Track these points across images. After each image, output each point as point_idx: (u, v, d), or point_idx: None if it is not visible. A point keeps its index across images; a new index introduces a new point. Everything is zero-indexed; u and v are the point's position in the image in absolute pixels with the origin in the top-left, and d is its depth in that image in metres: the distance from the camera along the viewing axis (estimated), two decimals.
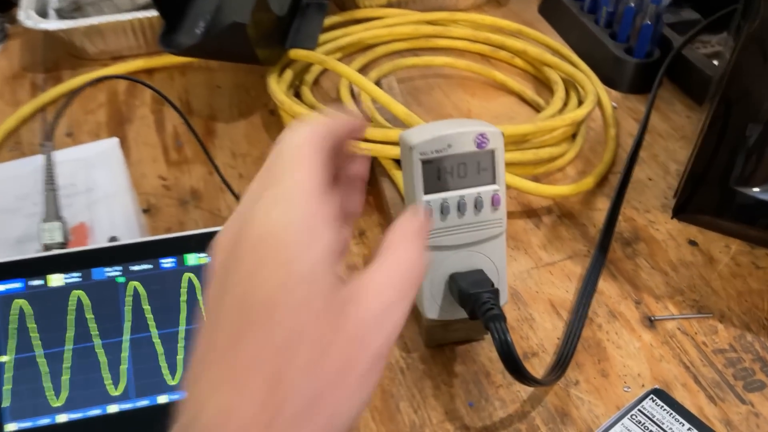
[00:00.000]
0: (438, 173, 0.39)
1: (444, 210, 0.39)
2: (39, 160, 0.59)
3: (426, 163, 0.38)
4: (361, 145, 0.53)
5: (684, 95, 0.67)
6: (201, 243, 0.40)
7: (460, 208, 0.39)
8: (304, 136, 0.26)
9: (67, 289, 0.38)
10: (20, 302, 0.38)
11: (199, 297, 0.39)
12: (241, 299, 0.23)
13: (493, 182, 0.39)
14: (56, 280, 0.38)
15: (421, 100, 0.67)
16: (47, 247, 0.40)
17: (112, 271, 0.39)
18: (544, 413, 0.41)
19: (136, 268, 0.39)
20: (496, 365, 0.44)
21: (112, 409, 0.37)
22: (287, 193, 0.24)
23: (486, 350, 0.45)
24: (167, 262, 0.39)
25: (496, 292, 0.38)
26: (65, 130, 0.63)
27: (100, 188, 0.57)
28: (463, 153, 0.38)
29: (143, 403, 0.37)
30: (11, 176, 0.57)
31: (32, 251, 0.51)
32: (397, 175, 0.54)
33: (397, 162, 0.55)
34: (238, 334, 0.22)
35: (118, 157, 0.60)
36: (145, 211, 0.55)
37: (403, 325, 0.25)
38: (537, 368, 0.44)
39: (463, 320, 0.43)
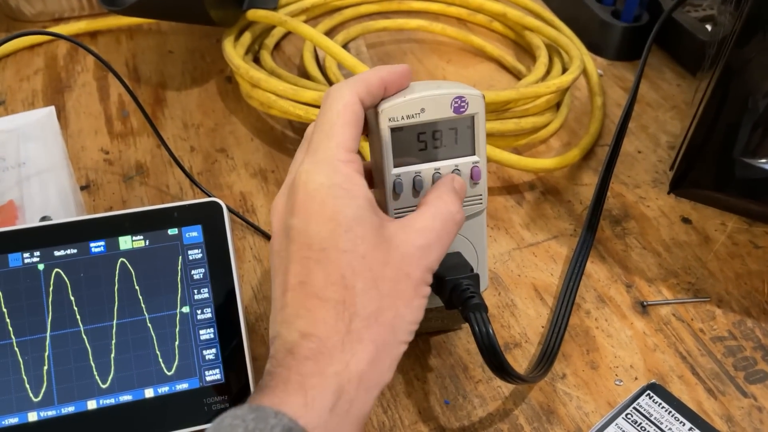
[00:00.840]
0: (409, 143, 0.34)
1: (417, 185, 0.34)
2: None
3: (395, 130, 0.33)
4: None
5: (674, 62, 0.62)
6: (137, 224, 0.34)
7: (436, 182, 0.34)
8: (343, 102, 0.31)
9: None
10: None
11: (136, 286, 0.34)
12: (301, 248, 0.29)
13: (473, 153, 0.34)
14: None
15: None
16: None
17: (31, 257, 0.33)
18: (528, 411, 0.37)
19: (59, 253, 0.34)
20: (474, 358, 0.39)
21: (32, 417, 0.32)
22: (325, 159, 0.30)
23: (463, 341, 0.40)
24: (97, 246, 0.34)
25: (475, 278, 0.34)
26: None
27: (33, 163, 0.51)
28: (439, 119, 0.33)
29: (68, 409, 0.32)
30: None
31: None
32: (364, 147, 0.49)
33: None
34: (306, 274, 0.28)
35: (53, 127, 0.53)
36: (84, 188, 0.49)
37: (438, 262, 0.30)
38: (520, 360, 0.39)
39: (438, 309, 0.38)
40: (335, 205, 0.29)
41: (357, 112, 0.31)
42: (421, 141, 0.34)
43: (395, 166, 0.34)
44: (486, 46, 0.63)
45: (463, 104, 0.33)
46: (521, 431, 0.36)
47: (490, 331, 0.31)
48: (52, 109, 0.55)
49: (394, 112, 0.33)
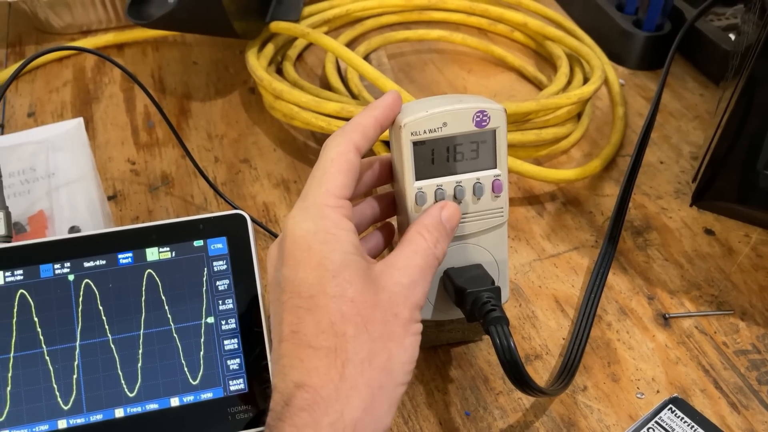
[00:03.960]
0: (432, 156, 0.34)
1: (438, 198, 0.34)
2: None
3: (417, 144, 0.33)
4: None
5: (697, 71, 0.62)
6: (164, 236, 0.35)
7: (457, 195, 0.34)
8: (337, 150, 0.32)
9: (10, 288, 0.34)
10: None
11: (162, 296, 0.34)
12: (291, 297, 0.29)
13: (494, 166, 0.35)
14: None
15: (414, 76, 0.62)
16: None
17: (62, 268, 0.34)
18: (548, 423, 0.37)
19: (89, 264, 0.34)
20: (495, 369, 0.39)
21: (62, 425, 0.33)
22: (313, 205, 0.30)
23: (484, 352, 0.40)
24: (125, 258, 0.35)
25: (496, 291, 0.34)
26: (27, 110, 0.58)
27: (62, 173, 0.52)
28: (461, 133, 0.34)
29: (97, 417, 0.33)
30: None
31: None
32: (377, 148, 0.49)
33: (387, 144, 0.50)
34: (297, 323, 0.28)
35: (82, 139, 0.55)
36: (111, 198, 0.50)
37: (424, 297, 0.31)
38: (541, 372, 0.39)
39: (459, 320, 0.39)
40: (321, 250, 0.29)
41: (351, 160, 0.31)
42: (443, 155, 0.34)
43: (417, 180, 0.34)
44: (507, 56, 0.63)
45: (485, 118, 0.34)
46: None
47: (512, 344, 0.31)
48: (80, 120, 0.56)
49: (416, 127, 0.33)
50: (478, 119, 0.34)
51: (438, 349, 0.40)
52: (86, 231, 0.39)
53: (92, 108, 0.58)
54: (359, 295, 0.28)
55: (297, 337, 0.28)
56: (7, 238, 0.36)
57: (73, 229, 0.46)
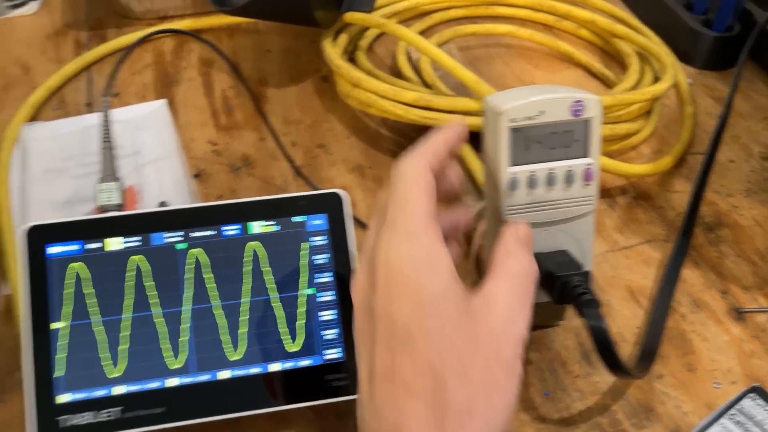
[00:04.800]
0: (527, 142, 0.35)
1: (531, 184, 0.36)
2: (85, 120, 0.57)
3: (515, 130, 0.35)
4: (424, 115, 0.51)
5: (766, 74, 0.62)
6: (268, 210, 0.37)
7: (550, 182, 0.36)
8: (413, 173, 0.30)
9: (126, 253, 0.36)
10: (77, 266, 0.35)
11: (263, 268, 0.36)
12: (385, 331, 0.27)
13: (586, 155, 0.36)
14: (115, 243, 0.36)
15: (481, 69, 0.63)
16: (103, 209, 0.38)
17: (172, 237, 0.36)
18: (626, 407, 0.38)
19: (197, 234, 0.36)
20: (572, 354, 0.41)
21: (171, 382, 0.35)
22: (404, 231, 0.29)
23: (561, 337, 0.42)
24: (230, 230, 0.37)
25: (586, 275, 0.35)
26: (111, 91, 0.60)
27: (148, 151, 0.54)
28: (557, 121, 0.35)
29: (204, 378, 0.35)
30: (57, 135, 0.55)
31: (80, 214, 0.49)
32: (463, 149, 0.50)
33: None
34: (392, 360, 0.27)
35: (166, 119, 0.57)
36: (196, 176, 0.53)
37: (528, 328, 0.29)
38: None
39: (538, 304, 0.40)
40: (418, 279, 0.27)
41: (430, 181, 0.30)
42: (538, 142, 0.35)
43: (511, 165, 0.35)
44: (574, 53, 0.64)
45: (581, 108, 0.35)
46: (620, 426, 0.37)
47: (606, 326, 0.32)
48: (164, 102, 0.59)
49: (515, 113, 0.34)
50: (575, 108, 0.35)
51: None
52: (187, 204, 0.41)
53: (172, 90, 0.61)
54: (458, 332, 0.27)
55: (392, 376, 0.27)
56: (120, 206, 0.38)
57: (162, 204, 0.48)
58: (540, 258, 0.37)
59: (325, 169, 0.53)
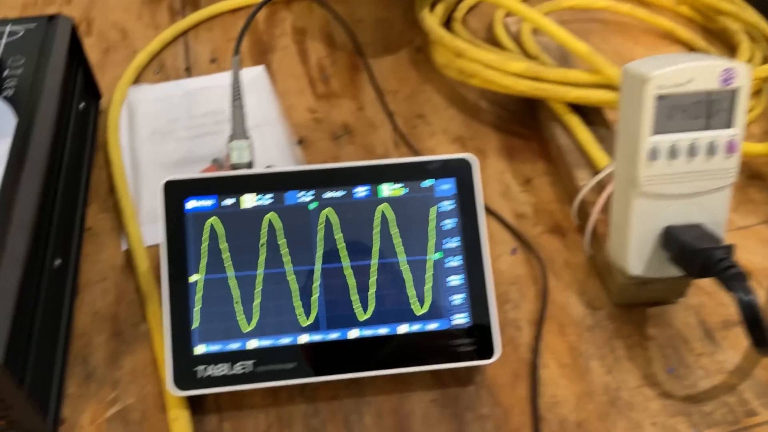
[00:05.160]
0: (671, 111, 0.34)
1: (672, 154, 0.35)
2: (187, 84, 0.58)
3: (660, 98, 0.34)
4: (534, 86, 0.50)
5: None
6: (397, 173, 0.37)
7: (691, 152, 0.35)
8: None
9: (259, 211, 0.36)
10: (213, 221, 0.36)
11: (392, 230, 0.36)
12: None
13: (731, 126, 0.35)
14: (248, 200, 0.36)
15: None
16: (234, 167, 0.38)
17: (305, 196, 0.37)
18: (755, 387, 0.37)
19: (328, 194, 0.37)
20: (693, 332, 0.40)
21: (303, 339, 0.35)
22: None
23: (681, 314, 0.41)
24: (361, 191, 0.37)
25: (728, 249, 0.34)
26: (209, 56, 0.61)
27: (252, 116, 0.54)
28: (705, 90, 0.34)
29: (333, 336, 0.35)
30: (162, 98, 0.56)
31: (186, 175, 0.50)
32: (572, 120, 0.49)
33: (572, 106, 0.50)
34: None
35: (265, 85, 0.58)
36: (299, 142, 0.53)
37: None
38: (740, 338, 0.39)
39: (662, 279, 0.39)
40: None
41: None
42: (683, 111, 0.34)
43: (653, 134, 0.35)
44: (675, 29, 0.62)
45: (730, 77, 0.34)
46: (748, 405, 0.36)
47: (756, 300, 0.32)
48: (263, 68, 0.59)
49: (663, 81, 0.33)
50: (724, 77, 0.34)
51: (634, 307, 0.41)
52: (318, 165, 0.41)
53: (268, 58, 0.61)
54: None
55: None
56: (250, 164, 0.38)
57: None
58: (675, 231, 0.36)
59: (425, 139, 0.53)
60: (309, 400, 0.37)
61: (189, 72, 0.59)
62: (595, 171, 0.46)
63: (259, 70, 0.58)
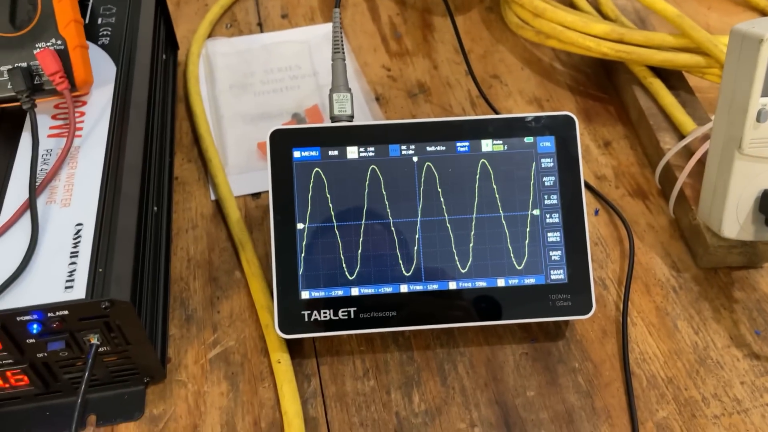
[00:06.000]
0: None
1: None
2: (261, 39, 0.58)
3: None
4: (617, 48, 0.49)
5: None
6: (499, 129, 0.37)
7: None
8: None
9: (363, 162, 0.37)
10: (317, 171, 0.36)
11: (492, 186, 0.37)
12: None
13: None
14: (352, 152, 0.37)
15: (649, 11, 0.61)
16: (335, 119, 0.39)
17: (407, 150, 0.37)
18: None
19: (431, 148, 0.37)
20: None
21: (403, 288, 0.36)
22: None
23: (766, 278, 0.41)
24: (462, 146, 0.37)
25: None
26: (279, 12, 0.61)
27: (325, 73, 0.55)
28: None
29: (433, 287, 0.36)
30: (238, 52, 0.56)
31: (268, 130, 0.50)
32: (654, 84, 0.49)
33: (653, 69, 0.50)
34: None
35: None
36: (375, 99, 0.53)
37: None
38: None
39: (753, 243, 0.39)
40: None
41: None
42: None
43: (764, 96, 0.34)
44: None
45: None
46: None
47: None
48: (330, 25, 0.59)
49: None
50: None
51: (719, 270, 0.41)
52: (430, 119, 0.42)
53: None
54: None
55: None
56: (351, 117, 0.39)
57: None
58: None
59: (501, 99, 0.53)
60: (403, 348, 0.38)
61: (261, 27, 0.59)
62: (680, 135, 0.46)
63: (330, 26, 0.58)
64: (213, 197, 0.46)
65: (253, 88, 0.53)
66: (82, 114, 0.38)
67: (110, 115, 0.38)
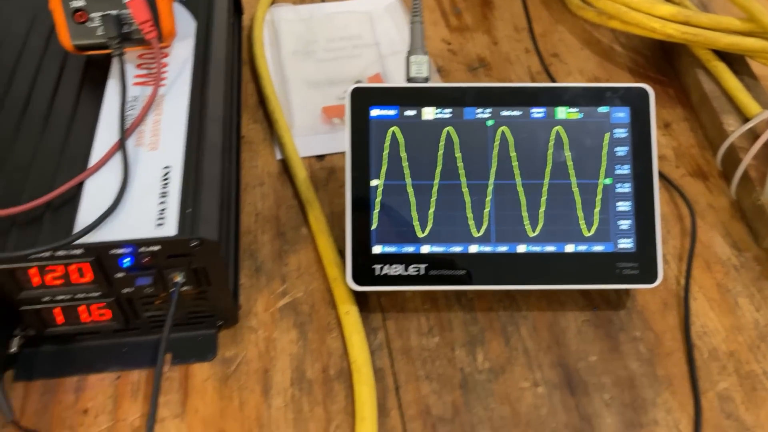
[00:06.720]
0: None
1: None
2: (324, 7, 0.59)
3: None
4: (683, 30, 0.49)
5: None
6: (574, 97, 0.38)
7: None
8: None
9: (438, 123, 0.37)
10: (394, 129, 0.37)
11: (565, 153, 0.37)
12: None
13: None
14: (428, 113, 0.38)
15: None
16: (411, 81, 0.39)
17: (483, 113, 0.38)
18: None
19: (506, 113, 0.38)
20: None
21: (473, 249, 0.37)
22: None
23: None
24: (538, 112, 0.38)
25: None
26: None
27: (389, 43, 0.56)
28: None
29: (502, 249, 0.37)
30: (301, 19, 0.57)
31: (333, 96, 0.51)
32: (718, 67, 0.49)
33: (717, 53, 0.50)
34: None
35: (401, 14, 0.58)
36: (437, 71, 0.54)
37: None
38: None
39: None
40: None
41: None
42: None
43: None
44: None
45: None
46: None
47: None
48: None
49: None
50: None
51: None
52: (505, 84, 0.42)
53: None
54: None
55: None
56: (427, 79, 0.40)
57: None
58: None
59: (562, 77, 0.53)
60: (466, 309, 0.39)
61: None
62: (744, 118, 0.46)
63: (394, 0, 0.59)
64: (278, 157, 0.47)
65: (315, 55, 0.54)
66: (165, 65, 0.39)
67: (192, 68, 0.39)
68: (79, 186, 0.33)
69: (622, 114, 0.38)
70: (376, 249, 0.37)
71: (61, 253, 0.31)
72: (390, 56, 0.55)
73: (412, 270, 0.37)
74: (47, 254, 0.31)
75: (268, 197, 0.44)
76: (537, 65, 0.54)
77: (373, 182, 0.37)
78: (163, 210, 0.32)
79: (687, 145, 0.49)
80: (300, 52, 0.54)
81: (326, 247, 0.40)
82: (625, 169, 0.37)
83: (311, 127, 0.48)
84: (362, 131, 0.37)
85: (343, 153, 0.47)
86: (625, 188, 0.37)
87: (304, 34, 0.56)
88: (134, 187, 0.33)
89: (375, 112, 0.37)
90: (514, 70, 0.54)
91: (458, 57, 0.55)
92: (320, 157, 0.47)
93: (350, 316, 0.37)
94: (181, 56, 0.40)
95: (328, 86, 0.52)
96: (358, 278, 0.36)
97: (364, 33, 0.56)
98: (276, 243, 0.42)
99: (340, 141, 0.48)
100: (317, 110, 0.50)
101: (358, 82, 0.52)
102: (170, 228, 0.31)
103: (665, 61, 0.55)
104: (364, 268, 0.36)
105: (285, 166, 0.46)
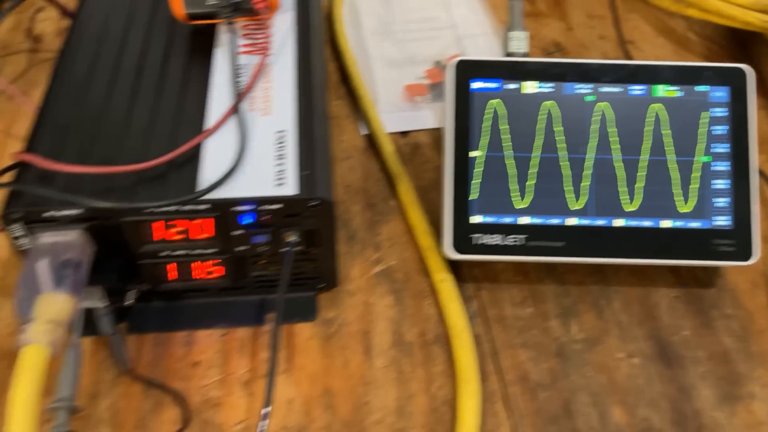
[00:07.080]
0: None
1: None
2: None
3: None
4: (764, 19, 0.50)
5: None
6: (674, 75, 0.38)
7: None
8: None
9: (539, 97, 0.38)
10: (495, 102, 0.38)
11: (663, 130, 0.38)
12: None
13: None
14: (530, 87, 0.38)
15: None
16: (510, 56, 0.40)
17: (583, 89, 0.38)
18: None
19: (606, 89, 0.38)
20: None
21: (571, 221, 0.37)
22: None
23: None
24: (637, 89, 0.38)
25: None
26: None
27: (465, 26, 0.56)
28: None
29: (600, 222, 0.37)
30: (381, 3, 0.58)
31: (413, 75, 0.52)
32: None
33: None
34: None
35: None
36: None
37: None
38: None
39: None
40: None
41: None
42: None
43: None
44: None
45: None
46: None
47: None
48: None
49: None
50: None
51: None
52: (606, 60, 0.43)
53: None
54: None
55: None
56: (526, 54, 0.40)
57: None
58: None
59: None
60: (558, 282, 0.40)
61: None
62: None
63: None
64: (363, 132, 0.48)
65: (394, 35, 0.55)
66: (271, 35, 0.40)
67: (295, 38, 0.40)
68: (198, 147, 0.34)
69: (721, 93, 0.38)
70: (475, 219, 0.37)
71: (187, 207, 0.32)
72: (466, 38, 0.55)
73: (509, 240, 0.37)
74: (173, 208, 0.32)
75: (355, 170, 0.45)
76: (612, 52, 0.55)
77: (473, 153, 0.38)
78: (281, 171, 0.33)
79: (766, 131, 0.49)
80: (380, 32, 0.55)
81: (418, 218, 0.41)
82: (723, 148, 0.38)
83: (394, 104, 0.49)
84: (463, 103, 0.38)
85: (426, 130, 0.48)
86: (723, 167, 0.38)
87: (383, 16, 0.57)
88: (251, 149, 0.34)
89: (476, 85, 0.38)
90: (590, 56, 0.54)
91: (534, 42, 0.56)
92: (404, 134, 0.48)
93: (446, 283, 0.38)
94: (283, 27, 0.41)
95: (408, 65, 0.53)
96: (457, 246, 0.37)
97: (440, 15, 0.57)
98: (367, 213, 0.43)
99: (423, 118, 0.49)
100: (399, 88, 0.50)
101: (437, 63, 0.53)
102: (290, 188, 0.32)
103: (740, 49, 0.55)
104: (463, 238, 0.37)
105: (370, 141, 0.47)
